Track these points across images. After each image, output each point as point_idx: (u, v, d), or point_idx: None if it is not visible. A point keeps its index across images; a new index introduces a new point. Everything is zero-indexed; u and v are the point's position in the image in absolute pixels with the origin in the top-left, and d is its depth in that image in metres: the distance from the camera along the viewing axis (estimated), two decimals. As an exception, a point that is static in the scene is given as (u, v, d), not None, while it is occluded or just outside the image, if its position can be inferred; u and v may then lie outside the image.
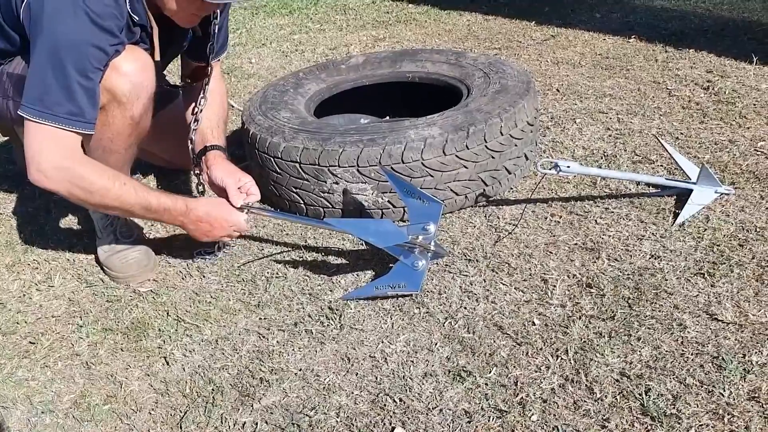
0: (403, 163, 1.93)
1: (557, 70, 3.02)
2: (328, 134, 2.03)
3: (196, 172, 2.04)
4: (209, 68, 2.05)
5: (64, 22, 1.60)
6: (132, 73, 1.72)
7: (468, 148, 1.96)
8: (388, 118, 2.69)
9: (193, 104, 2.07)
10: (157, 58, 1.88)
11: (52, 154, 1.64)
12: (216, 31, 2.00)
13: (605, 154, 2.27)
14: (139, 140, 1.87)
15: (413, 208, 1.83)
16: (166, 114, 2.18)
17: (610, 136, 2.39)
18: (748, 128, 2.32)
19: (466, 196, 2.04)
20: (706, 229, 1.85)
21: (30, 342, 1.75)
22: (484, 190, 2.06)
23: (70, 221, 2.24)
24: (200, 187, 2.04)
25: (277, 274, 1.89)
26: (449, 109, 2.11)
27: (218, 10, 1.97)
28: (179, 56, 2.15)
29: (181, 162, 2.41)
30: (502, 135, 2.01)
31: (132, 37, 1.78)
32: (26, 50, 1.73)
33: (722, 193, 1.97)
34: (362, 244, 1.96)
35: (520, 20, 3.76)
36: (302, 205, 2.08)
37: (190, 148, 2.02)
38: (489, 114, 2.02)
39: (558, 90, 2.80)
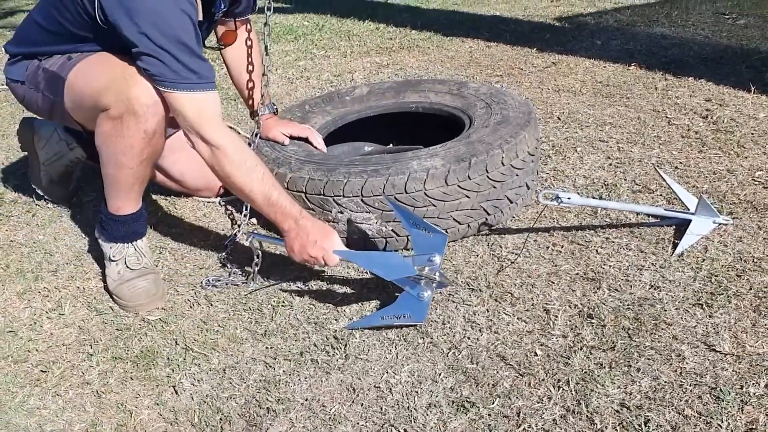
0: (407, 193, 1.97)
1: (558, 97, 3.06)
2: (333, 165, 2.07)
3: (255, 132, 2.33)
4: (247, 24, 2.26)
5: (151, 5, 1.71)
6: (150, 89, 1.78)
7: (470, 179, 2.01)
8: (391, 145, 2.73)
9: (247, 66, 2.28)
10: (200, 18, 1.92)
11: (200, 120, 1.78)
12: None
13: (606, 183, 2.31)
14: (151, 159, 1.92)
15: (418, 239, 1.87)
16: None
17: (610, 165, 2.43)
18: (746, 158, 2.36)
19: (468, 225, 2.08)
20: (704, 260, 1.88)
21: (41, 370, 1.78)
22: (486, 219, 2.09)
23: (79, 249, 2.28)
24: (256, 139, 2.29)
25: (282, 302, 1.92)
26: (452, 140, 2.15)
27: None
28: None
29: (194, 184, 2.47)
30: (503, 165, 2.06)
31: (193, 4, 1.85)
32: (102, 37, 1.87)
33: (720, 223, 2.01)
34: (366, 273, 2.00)
35: (521, 47, 3.82)
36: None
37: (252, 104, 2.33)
38: (490, 145, 2.06)
39: (559, 118, 2.85)
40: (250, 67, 2.27)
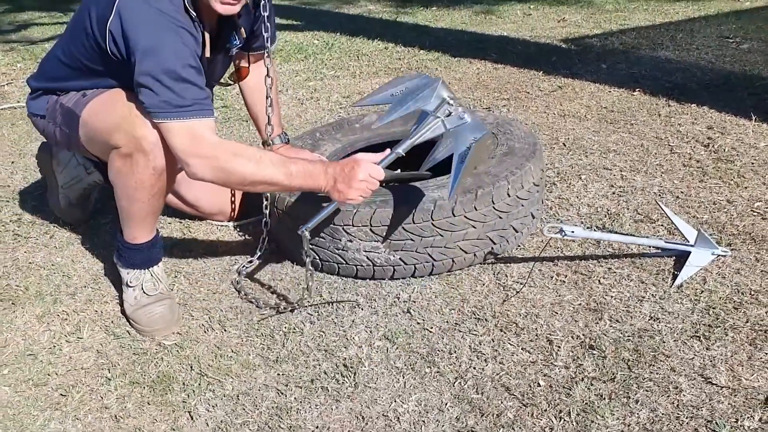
0: (414, 223, 2.04)
1: (564, 123, 3.13)
2: (344, 195, 2.14)
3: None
4: (265, 59, 2.30)
5: (155, 41, 1.79)
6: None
7: (476, 210, 2.07)
8: (399, 171, 2.79)
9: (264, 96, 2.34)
10: (207, 55, 2.02)
11: (191, 146, 1.80)
12: (265, 21, 2.19)
13: (608, 212, 2.37)
14: (163, 191, 2.00)
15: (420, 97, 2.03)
16: None
17: (613, 193, 2.49)
18: (746, 188, 2.42)
19: (474, 254, 2.14)
20: (702, 291, 1.94)
21: (61, 394, 1.85)
22: (492, 248, 2.16)
23: (97, 272, 2.35)
24: None
25: (293, 329, 1.99)
26: (459, 170, 2.21)
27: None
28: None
29: (208, 209, 2.54)
30: (509, 196, 2.12)
31: (197, 33, 1.92)
32: (115, 70, 1.94)
33: (719, 255, 2.07)
34: (375, 299, 2.06)
35: (528, 69, 3.89)
36: (317, 260, 2.19)
37: (266, 134, 2.38)
38: (496, 177, 2.13)
39: (564, 144, 2.92)
40: (265, 98, 2.34)
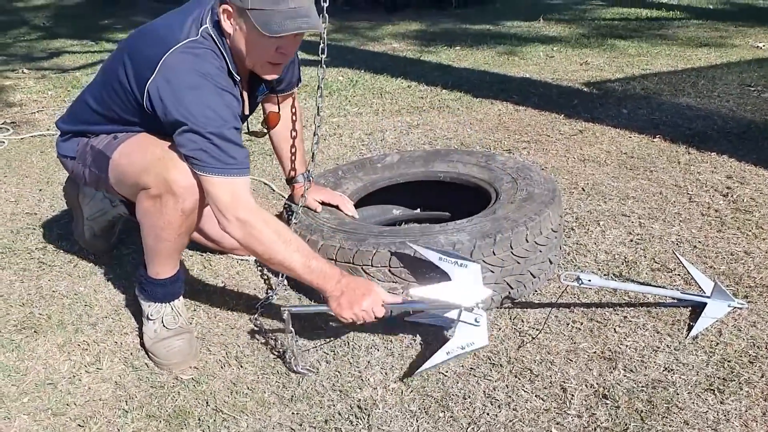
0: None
1: (584, 167, 3.15)
2: (363, 235, 2.17)
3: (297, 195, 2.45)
4: (292, 98, 2.39)
5: (201, 106, 1.85)
6: (188, 172, 1.90)
7: (494, 254, 2.09)
8: (419, 210, 2.84)
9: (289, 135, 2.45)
10: (247, 112, 2.09)
11: (231, 203, 1.86)
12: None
13: (626, 259, 2.39)
14: (189, 231, 2.06)
15: (455, 273, 1.98)
16: None
17: (631, 241, 2.50)
18: (764, 239, 2.42)
19: (492, 299, 2.16)
20: (718, 344, 1.94)
21: (78, 425, 1.88)
22: (509, 293, 2.17)
23: (118, 303, 2.39)
24: (297, 212, 2.37)
25: (310, 366, 2.00)
26: (478, 214, 2.25)
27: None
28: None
29: (230, 244, 2.58)
30: (527, 242, 2.14)
31: (238, 95, 1.99)
32: (150, 122, 2.00)
33: (735, 307, 2.07)
34: (392, 339, 2.08)
35: (549, 112, 3.93)
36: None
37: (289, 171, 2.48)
38: (515, 222, 2.15)
39: (583, 189, 2.94)
40: (290, 138, 2.39)
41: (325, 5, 2.20)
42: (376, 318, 1.92)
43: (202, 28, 1.95)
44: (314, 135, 2.39)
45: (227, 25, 1.92)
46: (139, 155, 2.01)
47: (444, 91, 4.54)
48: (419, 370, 1.90)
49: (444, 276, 2.00)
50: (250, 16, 1.85)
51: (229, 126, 1.86)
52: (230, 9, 1.89)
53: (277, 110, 2.39)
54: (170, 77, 1.86)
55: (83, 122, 2.18)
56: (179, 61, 1.88)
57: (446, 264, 1.98)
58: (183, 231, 2.02)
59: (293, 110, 2.38)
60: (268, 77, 2.04)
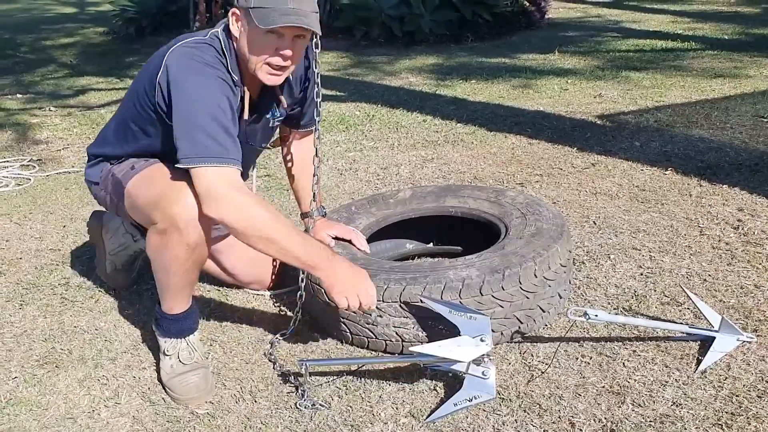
0: (442, 300, 2.10)
1: (595, 201, 3.19)
2: (375, 271, 2.22)
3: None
4: (315, 132, 2.41)
5: (195, 84, 1.99)
6: (190, 206, 1.99)
7: (504, 290, 2.13)
8: (432, 244, 2.88)
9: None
10: (246, 117, 2.18)
11: (216, 187, 1.93)
12: (312, 96, 2.34)
13: (636, 293, 2.41)
14: (197, 265, 2.12)
15: (463, 325, 2.02)
16: None
17: (641, 274, 2.53)
18: (775, 273, 2.44)
19: (501, 333, 2.19)
20: (726, 378, 1.96)
21: (97, 458, 1.93)
22: (519, 327, 2.20)
23: (137, 338, 2.45)
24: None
25: (322, 401, 2.04)
26: (487, 249, 2.29)
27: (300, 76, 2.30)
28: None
29: (245, 277, 2.65)
30: (536, 277, 2.18)
31: (238, 96, 2.10)
32: (159, 131, 2.14)
33: (744, 341, 2.08)
34: (403, 374, 2.11)
35: (562, 145, 3.97)
36: (348, 334, 2.26)
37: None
38: (524, 257, 2.19)
39: (594, 222, 2.97)
40: (308, 173, 2.45)
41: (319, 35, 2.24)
42: (363, 308, 2.01)
43: (211, 32, 2.13)
44: (314, 176, 2.43)
45: (234, 28, 2.07)
46: (149, 189, 2.12)
47: (458, 124, 4.60)
48: (427, 420, 1.92)
49: (454, 328, 2.04)
50: (251, 14, 1.99)
51: (222, 110, 1.98)
52: (237, 12, 2.05)
53: (289, 140, 2.50)
54: (172, 67, 2.02)
55: (105, 144, 2.31)
56: (181, 53, 2.06)
57: (456, 317, 2.02)
58: (190, 265, 2.08)
59: (310, 147, 2.43)
60: (269, 82, 2.10)
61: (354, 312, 2.10)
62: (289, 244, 1.97)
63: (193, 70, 2.02)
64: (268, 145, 2.51)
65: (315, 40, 2.23)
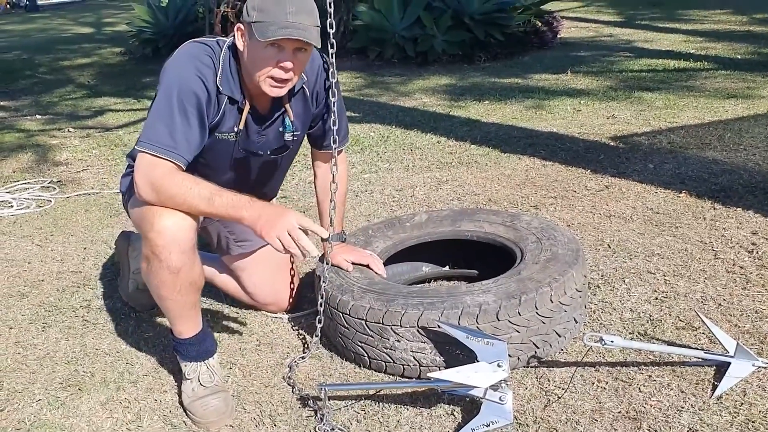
0: (459, 325, 2.13)
1: (610, 224, 3.21)
2: (392, 296, 2.25)
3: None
4: (333, 158, 2.44)
5: (176, 69, 2.13)
6: (164, 230, 2.05)
7: (520, 315, 2.16)
8: (448, 267, 2.91)
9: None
10: (240, 127, 2.26)
11: (147, 176, 2.06)
12: (334, 119, 2.39)
13: (651, 318, 2.43)
14: (191, 289, 2.16)
15: (481, 351, 2.04)
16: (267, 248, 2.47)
17: (656, 299, 2.55)
18: (789, 298, 2.45)
19: (518, 358, 2.21)
20: (742, 404, 1.97)
21: (121, 481, 1.96)
22: (535, 352, 2.23)
23: (158, 361, 2.49)
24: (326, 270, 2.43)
25: (340, 427, 2.07)
26: (503, 275, 2.32)
27: (312, 95, 2.37)
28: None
29: (264, 298, 2.68)
30: (552, 302, 2.20)
31: (214, 107, 2.18)
32: None
33: (760, 366, 2.10)
34: (421, 398, 2.14)
35: (576, 167, 4.00)
36: (366, 358, 2.29)
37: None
38: (540, 282, 2.22)
39: (609, 246, 2.99)
40: (329, 197, 2.48)
41: (332, 31, 2.34)
42: (303, 247, 2.03)
43: (220, 39, 2.23)
44: (331, 201, 2.47)
45: (240, 42, 2.15)
46: (136, 211, 2.22)
47: (473, 146, 4.63)
48: None
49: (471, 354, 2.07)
50: (253, 27, 2.06)
51: (189, 103, 2.09)
52: (242, 27, 2.13)
53: (319, 159, 2.58)
54: (168, 61, 2.17)
55: (131, 156, 2.37)
56: (184, 47, 2.19)
57: (473, 342, 2.05)
58: (180, 288, 2.12)
59: (333, 169, 2.47)
60: (272, 94, 2.17)
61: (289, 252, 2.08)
62: (202, 209, 2.07)
63: (179, 62, 2.14)
64: (270, 153, 2.52)
65: (332, 69, 2.32)
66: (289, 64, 2.10)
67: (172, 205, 2.05)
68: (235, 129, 2.25)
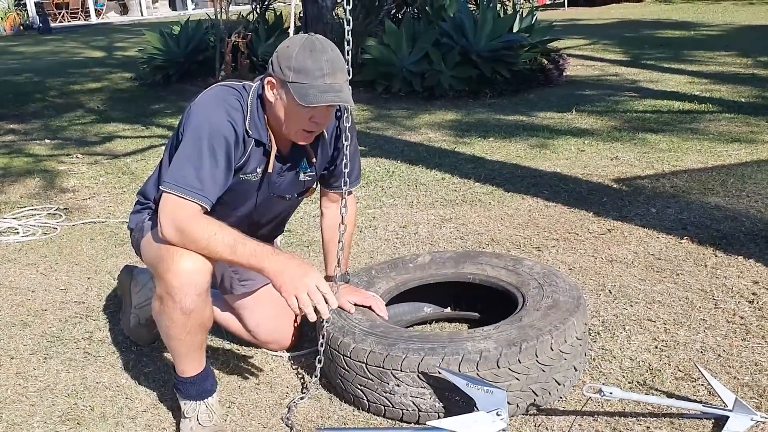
0: (460, 372, 2.14)
1: (611, 269, 3.22)
2: (394, 340, 2.27)
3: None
4: (343, 199, 2.50)
5: (205, 112, 2.16)
6: (181, 272, 2.07)
7: (520, 362, 2.17)
8: (449, 309, 2.93)
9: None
10: (270, 170, 2.29)
11: (172, 217, 2.08)
12: (346, 161, 2.43)
13: (650, 367, 2.44)
14: (200, 330, 2.18)
15: (480, 399, 2.05)
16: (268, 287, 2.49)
17: (656, 347, 2.56)
18: (789, 351, 2.46)
19: (517, 405, 2.22)
20: (740, 460, 1.97)
21: None
22: (534, 400, 2.23)
23: (158, 397, 2.50)
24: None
25: (339, 469, 2.08)
26: (504, 321, 2.33)
27: (331, 139, 2.42)
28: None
29: (265, 336, 2.69)
30: (552, 350, 2.22)
31: (240, 150, 2.21)
32: None
33: (758, 421, 2.10)
34: (418, 446, 2.15)
35: (578, 209, 4.02)
36: (365, 401, 2.30)
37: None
38: (540, 330, 2.23)
39: (610, 291, 3.00)
40: (336, 238, 2.52)
41: (348, 8, 2.45)
42: (320, 310, 2.06)
43: (246, 84, 2.28)
44: (339, 242, 2.51)
45: (270, 94, 2.18)
46: (150, 250, 2.25)
47: (477, 184, 4.66)
48: None
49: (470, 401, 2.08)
50: (291, 88, 2.10)
51: (218, 146, 2.12)
52: (274, 81, 2.17)
53: (328, 198, 2.62)
54: (199, 97, 2.22)
55: (146, 186, 2.43)
56: (212, 90, 2.24)
57: (473, 390, 2.07)
58: (190, 329, 2.14)
59: (343, 210, 2.50)
60: (301, 143, 2.26)
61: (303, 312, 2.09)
62: (225, 257, 2.08)
63: (209, 104, 2.18)
64: (298, 196, 2.55)
65: (346, 114, 2.39)
66: (322, 119, 2.18)
67: (195, 248, 2.07)
68: (258, 170, 2.29)
